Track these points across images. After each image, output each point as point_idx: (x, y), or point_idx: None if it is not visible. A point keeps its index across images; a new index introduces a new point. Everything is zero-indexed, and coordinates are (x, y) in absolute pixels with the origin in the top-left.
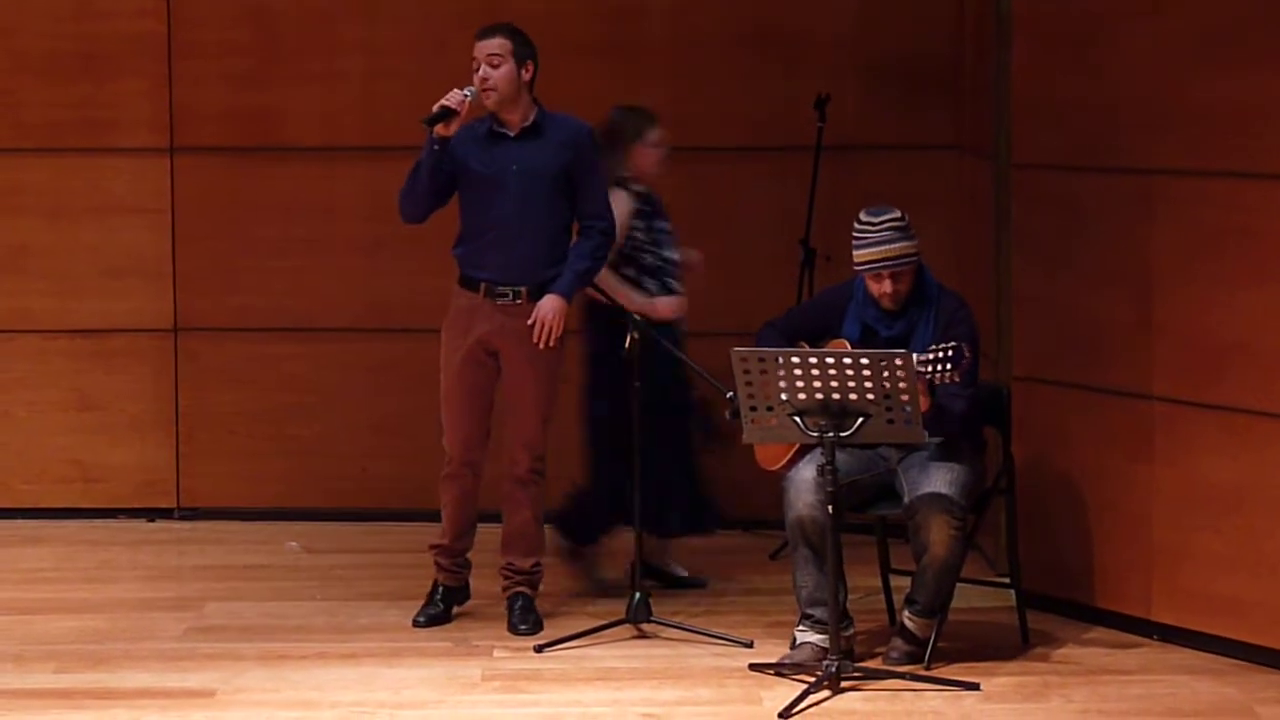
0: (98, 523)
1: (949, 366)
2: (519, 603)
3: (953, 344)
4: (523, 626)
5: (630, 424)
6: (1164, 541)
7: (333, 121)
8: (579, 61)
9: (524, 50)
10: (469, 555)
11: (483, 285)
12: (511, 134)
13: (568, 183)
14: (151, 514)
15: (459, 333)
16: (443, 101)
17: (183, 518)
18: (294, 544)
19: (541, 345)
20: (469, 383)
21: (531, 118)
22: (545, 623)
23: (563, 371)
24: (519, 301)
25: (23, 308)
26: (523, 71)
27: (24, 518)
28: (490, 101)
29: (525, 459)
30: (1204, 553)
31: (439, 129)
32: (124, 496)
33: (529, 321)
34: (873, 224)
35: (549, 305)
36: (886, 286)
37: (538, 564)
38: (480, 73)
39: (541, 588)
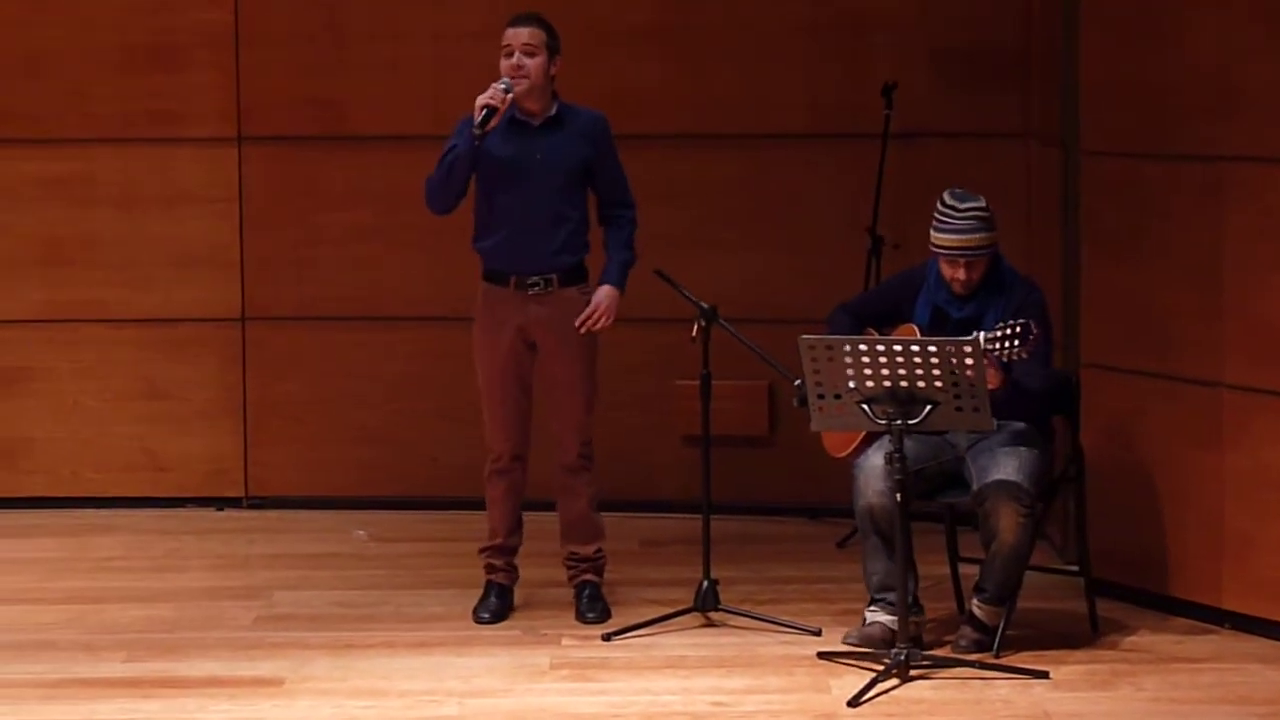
0: (167, 511)
1: (1017, 343)
2: (586, 591)
3: (1020, 320)
4: (590, 615)
5: None
6: (1234, 529)
7: (400, 110)
8: (637, 47)
9: (555, 42)
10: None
11: (513, 278)
12: (535, 124)
13: (587, 174)
14: (220, 503)
15: (493, 327)
16: (488, 101)
17: (251, 506)
18: (361, 532)
19: (584, 330)
20: (513, 375)
21: (554, 109)
22: (613, 610)
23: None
24: (551, 289)
25: (93, 298)
26: (552, 64)
27: (94, 507)
28: (521, 89)
29: (574, 446)
30: (1275, 540)
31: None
32: (192, 485)
33: (583, 315)
34: (957, 209)
35: (607, 294)
36: (960, 274)
37: (600, 550)
38: (515, 60)
39: (607, 574)
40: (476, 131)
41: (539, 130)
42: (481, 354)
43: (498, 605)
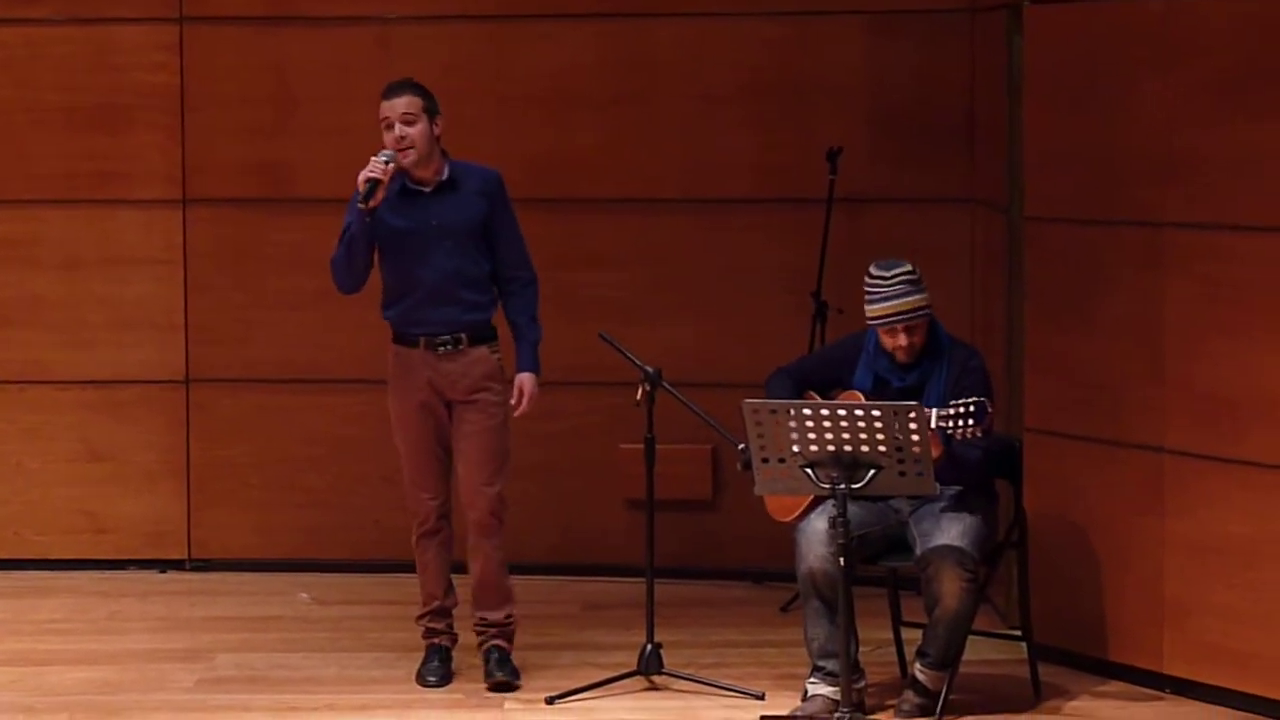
0: (108, 574)
1: (971, 422)
2: (495, 655)
3: (975, 399)
4: (499, 673)
5: None
6: (1176, 594)
7: (346, 173)
8: (592, 114)
9: (433, 105)
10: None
11: (421, 339)
12: (427, 190)
13: (486, 231)
14: (162, 565)
15: (407, 389)
16: (369, 175)
17: (194, 569)
18: (305, 595)
19: (517, 414)
20: (431, 434)
21: (445, 172)
22: (557, 674)
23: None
24: (460, 348)
25: (35, 359)
26: (434, 127)
27: (35, 568)
28: (409, 160)
29: (485, 502)
30: (1217, 606)
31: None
32: (135, 547)
33: (512, 401)
34: (885, 278)
35: (531, 382)
36: (901, 340)
37: (510, 615)
38: (396, 131)
39: (550, 636)
40: (362, 207)
41: (432, 196)
42: (398, 417)
43: (442, 668)
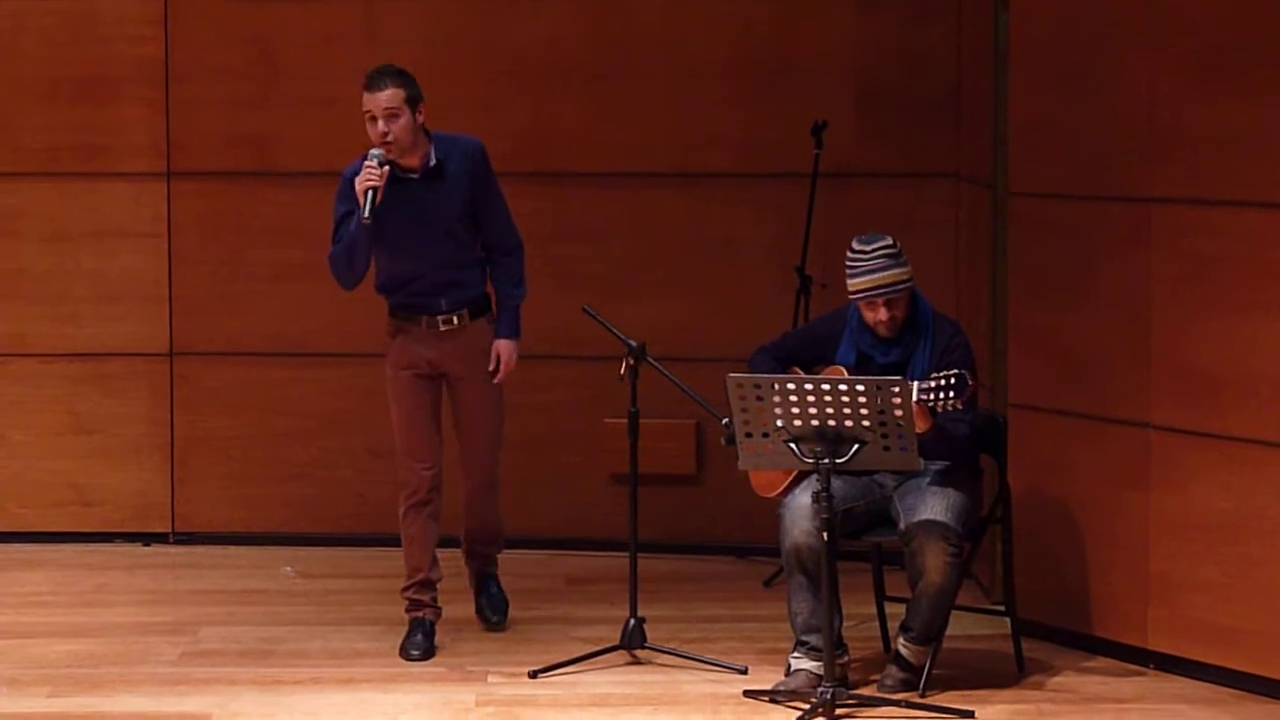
0: (93, 546)
1: (952, 394)
2: (492, 587)
3: (956, 371)
4: (495, 618)
5: None
6: (1161, 570)
7: (331, 146)
8: (576, 88)
9: (415, 93)
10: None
11: (424, 319)
12: (415, 177)
13: (474, 204)
14: (147, 538)
15: (407, 363)
16: (369, 184)
17: (178, 542)
18: (289, 569)
19: (497, 381)
20: (428, 408)
21: (433, 157)
22: (540, 648)
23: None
24: (462, 324)
25: (20, 331)
26: (417, 116)
27: (19, 541)
28: (392, 153)
29: (489, 469)
30: (1201, 581)
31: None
32: (120, 520)
33: (490, 368)
34: (865, 252)
35: (509, 349)
36: (882, 314)
37: (499, 548)
38: (379, 127)
39: (532, 611)
40: (367, 220)
41: (421, 184)
42: (396, 387)
43: (426, 642)
